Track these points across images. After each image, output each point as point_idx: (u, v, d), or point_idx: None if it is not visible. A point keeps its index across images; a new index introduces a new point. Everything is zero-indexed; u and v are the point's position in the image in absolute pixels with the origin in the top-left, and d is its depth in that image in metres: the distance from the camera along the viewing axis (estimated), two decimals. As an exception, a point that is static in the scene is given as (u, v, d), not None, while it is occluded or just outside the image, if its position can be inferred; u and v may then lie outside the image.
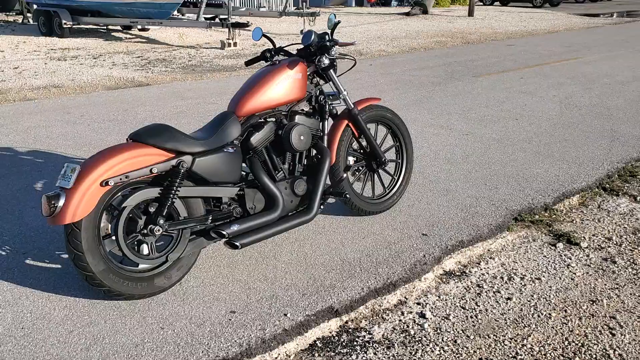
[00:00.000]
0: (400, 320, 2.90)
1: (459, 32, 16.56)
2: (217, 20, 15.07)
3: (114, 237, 2.75)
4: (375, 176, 3.90)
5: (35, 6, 14.92)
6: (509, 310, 2.98)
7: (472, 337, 2.76)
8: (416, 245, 3.53)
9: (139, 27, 14.28)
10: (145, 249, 2.82)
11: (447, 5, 26.13)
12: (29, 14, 16.83)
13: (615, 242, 3.71)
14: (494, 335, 2.78)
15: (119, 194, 2.75)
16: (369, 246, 3.50)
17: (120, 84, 8.65)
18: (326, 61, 3.43)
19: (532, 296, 3.10)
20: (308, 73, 3.43)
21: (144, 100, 7.42)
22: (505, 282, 3.26)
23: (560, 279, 3.28)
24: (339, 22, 3.55)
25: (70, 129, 5.97)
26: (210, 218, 2.96)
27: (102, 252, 2.71)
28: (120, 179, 2.66)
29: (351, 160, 3.73)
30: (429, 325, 2.85)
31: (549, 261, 3.47)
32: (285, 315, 2.79)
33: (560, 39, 14.69)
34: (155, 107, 7.02)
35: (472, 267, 3.41)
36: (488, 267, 3.41)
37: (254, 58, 3.64)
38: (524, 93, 7.90)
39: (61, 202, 2.54)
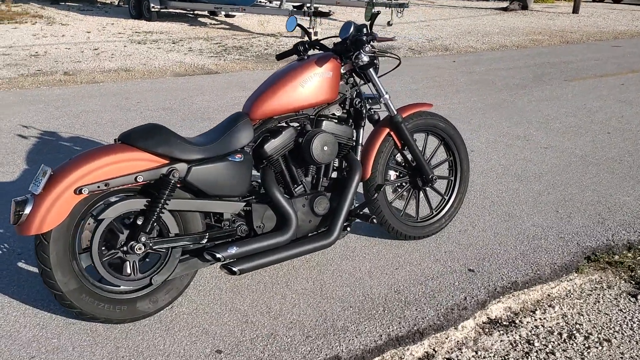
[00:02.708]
0: (421, 379, 2.37)
1: (559, 30, 15.32)
2: (304, 8, 14.75)
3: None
4: (421, 195, 3.35)
5: (127, -11, 15.18)
6: (561, 382, 2.38)
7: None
8: (458, 284, 2.96)
9: (224, 13, 14.18)
10: (127, 268, 2.45)
11: (551, 0, 24.46)
12: (123, -3, 17.22)
13: None
14: (536, 416, 2.19)
15: (101, 203, 2.39)
16: (400, 280, 2.97)
17: (189, 71, 8.47)
18: (365, 58, 2.91)
19: (596, 365, 2.48)
20: (343, 71, 2.94)
21: (206, 89, 7.16)
22: (564, 340, 2.64)
23: (636, 343, 2.62)
24: (378, 12, 3.03)
25: (121, 116, 5.78)
26: (207, 237, 2.54)
27: (76, 268, 2.36)
28: (98, 187, 2.29)
29: (392, 174, 3.20)
30: (455, 391, 2.30)
31: (626, 317, 2.81)
32: (278, 363, 2.33)
33: (676, 42, 13.19)
34: (214, 97, 6.73)
35: (525, 317, 2.81)
36: (545, 318, 2.80)
37: (286, 52, 3.18)
38: (623, 102, 6.97)
39: (27, 210, 2.21)
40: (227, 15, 14.99)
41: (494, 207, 3.87)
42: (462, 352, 2.54)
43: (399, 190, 3.29)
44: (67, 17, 13.96)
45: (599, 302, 2.95)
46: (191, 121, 5.67)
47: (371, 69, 2.96)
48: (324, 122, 2.86)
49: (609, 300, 2.97)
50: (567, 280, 3.10)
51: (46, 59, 8.89)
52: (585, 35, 14.23)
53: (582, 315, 2.84)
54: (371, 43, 2.87)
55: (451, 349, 2.57)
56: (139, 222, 2.43)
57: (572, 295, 3.00)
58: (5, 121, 5.45)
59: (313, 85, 2.78)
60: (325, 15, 12.69)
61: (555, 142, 5.31)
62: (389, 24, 14.87)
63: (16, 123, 5.40)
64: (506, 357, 2.52)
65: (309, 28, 12.52)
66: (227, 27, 13.73)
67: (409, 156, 3.24)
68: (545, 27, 15.94)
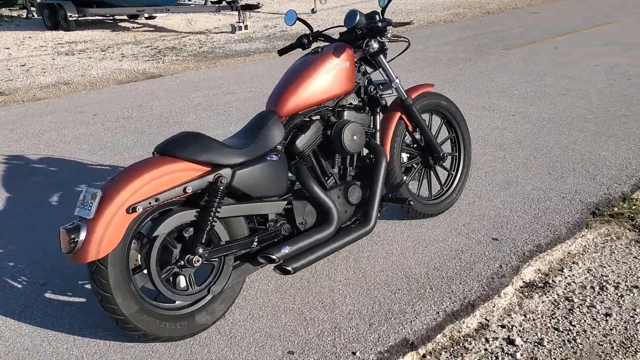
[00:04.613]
0: (486, 349, 2.45)
1: (476, 1, 15.85)
2: (224, 3, 14.52)
3: (145, 271, 2.31)
4: (432, 173, 3.43)
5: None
6: (611, 330, 2.52)
7: (576, 369, 2.31)
8: (488, 253, 3.06)
9: (146, 15, 13.75)
10: (182, 282, 2.38)
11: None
12: (32, 8, 16.36)
13: None
14: (602, 365, 2.32)
15: (148, 219, 2.31)
16: (434, 257, 3.04)
17: (132, 77, 8.20)
18: (375, 45, 2.94)
19: (635, 310, 2.64)
20: (355, 60, 2.95)
21: (158, 94, 6.97)
22: (598, 293, 2.79)
23: (661, 286, 2.81)
24: (391, -1, 3.03)
25: (83, 131, 5.54)
26: (256, 240, 2.51)
27: (134, 289, 2.27)
28: (150, 203, 2.21)
29: (404, 157, 3.25)
30: (521, 355, 2.40)
31: (642, 264, 3.00)
32: (354, 354, 2.34)
33: (589, 3, 13.95)
34: (172, 100, 6.56)
35: (555, 276, 2.95)
36: (573, 275, 2.94)
37: (289, 46, 3.16)
38: (563, 64, 7.33)
39: (82, 236, 2.10)
40: (148, 18, 14.55)
41: (490, 176, 4.01)
42: (512, 318, 2.64)
43: (411, 171, 3.35)
44: (-22, 34, 13.14)
45: (614, 253, 3.13)
46: (159, 127, 5.50)
47: (381, 55, 2.99)
48: (346, 112, 2.87)
49: (622, 249, 3.15)
50: (581, 237, 3.26)
51: (-26, 80, 8.37)
52: (502, 5, 14.80)
53: (604, 267, 3.00)
54: (388, 29, 2.90)
55: (501, 316, 2.67)
56: (186, 234, 2.37)
57: (589, 250, 3.16)
58: (-40, 150, 5.10)
59: (334, 76, 2.78)
60: (254, 7, 12.57)
61: (520, 109, 5.54)
62: (313, 11, 14.92)
63: (-28, 151, 5.07)
64: (553, 316, 2.64)
65: (238, 23, 12.37)
66: (152, 29, 13.34)
67: (418, 137, 3.31)
68: (463, 0, 16.44)
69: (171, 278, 2.38)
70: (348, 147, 2.72)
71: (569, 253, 3.15)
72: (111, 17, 14.86)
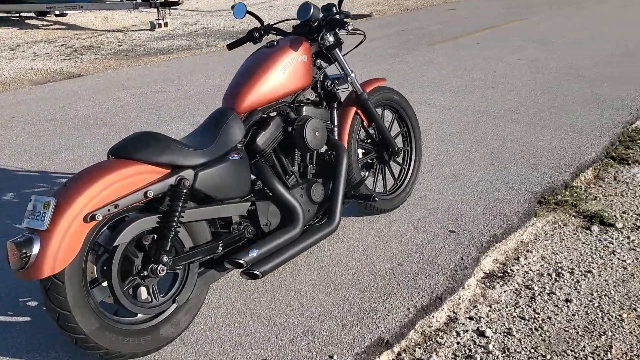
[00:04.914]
0: (458, 343, 2.45)
1: (394, -1, 16.13)
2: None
3: (104, 284, 2.13)
4: (386, 168, 3.40)
5: None
6: (574, 315, 2.58)
7: (548, 355, 2.34)
8: (448, 246, 3.07)
9: (57, 12, 13.02)
10: (143, 294, 2.21)
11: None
12: None
13: (649, 219, 3.38)
14: (571, 351, 2.37)
15: (105, 227, 2.12)
16: (396, 252, 3.01)
17: (49, 77, 7.72)
18: (331, 38, 2.87)
19: (592, 295, 2.72)
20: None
21: (81, 94, 6.58)
22: (555, 279, 2.86)
23: (612, 269, 2.91)
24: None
25: (2, 135, 5.13)
26: (221, 244, 2.37)
27: (93, 305, 2.09)
28: (109, 210, 2.04)
29: (359, 152, 3.20)
30: (493, 346, 2.41)
31: (591, 249, 3.10)
32: (332, 357, 2.26)
33: (500, 0, 14.50)
34: (97, 101, 6.21)
35: (512, 265, 3.00)
36: (529, 263, 3.00)
37: (239, 40, 3.03)
38: (488, 59, 7.56)
39: (35, 250, 1.90)
40: (59, 15, 13.78)
41: (436, 170, 4.04)
42: (479, 309, 2.65)
43: (370, 167, 3.30)
44: None
45: (563, 239, 3.22)
46: (88, 129, 5.19)
47: (337, 49, 2.92)
48: (305, 108, 2.78)
49: (570, 236, 3.25)
50: (531, 226, 3.34)
51: None
52: (420, 2, 15.14)
53: (557, 254, 3.08)
54: (348, 22, 2.83)
55: (468, 308, 2.67)
56: (146, 242, 2.21)
57: (540, 238, 3.24)
58: None
59: (292, 71, 2.68)
60: (175, 4, 12.19)
61: (454, 103, 5.64)
62: (232, 7, 14.66)
63: None
64: (517, 305, 2.68)
65: (157, 20, 11.96)
66: (64, 27, 12.65)
67: (371, 132, 3.27)
68: (382, -3, 16.67)
69: (132, 290, 2.21)
70: (310, 143, 2.63)
71: (522, 242, 3.21)
72: (17, 14, 13.97)
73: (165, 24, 12.08)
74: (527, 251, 3.13)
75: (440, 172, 4.00)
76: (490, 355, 2.36)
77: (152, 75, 7.48)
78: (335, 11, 2.87)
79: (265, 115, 2.65)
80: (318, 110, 2.84)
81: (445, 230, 3.22)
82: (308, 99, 2.85)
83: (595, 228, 3.30)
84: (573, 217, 3.45)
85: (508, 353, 2.37)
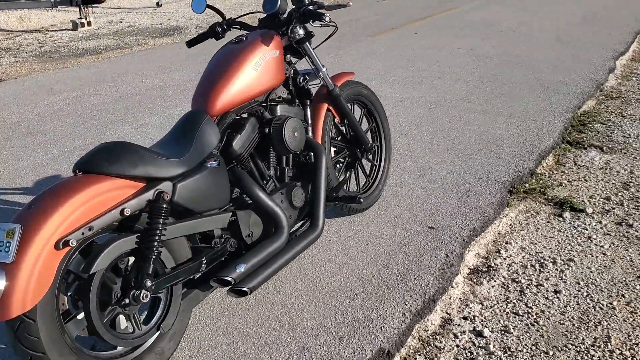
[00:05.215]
0: (457, 345, 2.35)
1: (324, -9, 16.02)
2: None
3: (80, 316, 1.89)
4: (357, 166, 3.26)
5: None
6: (566, 307, 2.54)
7: (550, 352, 2.28)
8: (430, 243, 2.97)
9: (-35, 12, 12.09)
10: (122, 323, 1.98)
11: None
12: None
13: (615, 202, 3.42)
14: (571, 344, 2.31)
15: (77, 253, 1.88)
16: (379, 254, 2.88)
17: (-34, 83, 7.11)
18: (301, 32, 2.69)
19: (579, 284, 2.69)
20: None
21: (6, 100, 6.08)
22: (540, 270, 2.82)
23: (593, 256, 2.90)
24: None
25: None
26: (204, 261, 2.16)
27: (69, 341, 1.84)
28: (83, 233, 1.79)
29: (332, 151, 3.05)
30: (494, 346, 2.32)
31: (568, 236, 3.09)
32: (335, 375, 2.11)
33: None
34: (25, 108, 5.75)
35: (495, 259, 2.94)
36: (511, 256, 2.95)
37: (200, 36, 2.81)
38: (428, 48, 7.58)
39: (1, 286, 1.64)
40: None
41: (403, 164, 3.94)
42: (471, 308, 2.57)
43: (338, 165, 3.16)
44: None
45: (538, 228, 3.20)
46: (21, 138, 4.77)
47: (307, 43, 2.75)
48: (279, 107, 2.60)
49: (544, 224, 3.23)
50: (505, 216, 3.30)
51: None
52: (349, -6, 15.08)
53: (536, 244, 3.04)
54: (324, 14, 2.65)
55: (460, 307, 2.58)
56: (122, 265, 1.97)
57: (516, 229, 3.20)
58: None
59: (265, 67, 2.49)
60: (97, 2, 11.60)
61: (405, 94, 5.58)
62: (158, 4, 14.17)
63: None
64: (507, 300, 2.61)
65: (79, 19, 11.35)
66: (-26, 28, 11.78)
67: (342, 129, 3.12)
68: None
69: (109, 320, 1.97)
70: (290, 145, 2.45)
71: (499, 234, 3.16)
72: None
73: (89, 23, 11.48)
74: (507, 243, 3.07)
75: (407, 166, 3.91)
76: (493, 356, 2.27)
77: (83, 78, 7.03)
78: (307, 2, 2.68)
79: (238, 117, 2.45)
80: (292, 108, 2.67)
81: (425, 227, 3.12)
82: (280, 97, 2.67)
83: (567, 215, 3.29)
84: (543, 205, 3.44)
85: (510, 353, 2.29)
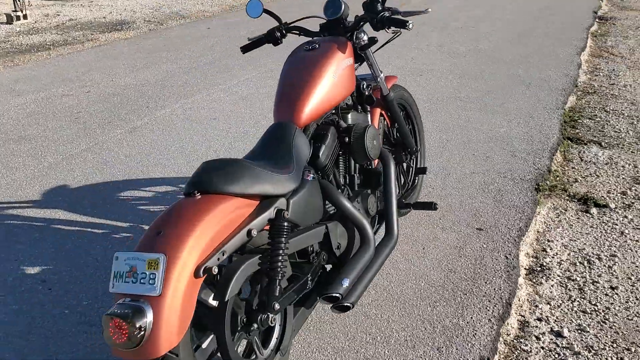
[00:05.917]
0: (543, 347, 2.38)
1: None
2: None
3: (204, 345, 1.77)
4: (399, 170, 3.24)
5: None
6: (627, 302, 2.63)
7: (632, 349, 2.35)
8: (486, 245, 2.99)
9: None
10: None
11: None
12: None
13: (632, 197, 3.58)
14: (650, 340, 2.40)
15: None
16: (440, 258, 2.88)
17: None
18: (365, 38, 2.63)
19: (630, 279, 2.79)
20: (347, 55, 2.60)
21: (-35, 103, 5.63)
22: (589, 267, 2.90)
23: (632, 250, 3.02)
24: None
25: None
26: (310, 278, 2.08)
27: (200, 374, 1.72)
28: (218, 259, 1.68)
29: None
30: (578, 346, 2.37)
31: (602, 232, 3.20)
32: (452, 388, 2.09)
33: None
34: (-8, 111, 5.34)
35: (544, 257, 3.00)
36: (556, 254, 3.02)
37: (256, 41, 2.70)
38: (398, 45, 7.63)
39: (149, 321, 1.50)
40: None
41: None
42: (541, 309, 2.61)
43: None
44: None
45: (572, 225, 3.29)
46: (3, 145, 4.42)
47: (369, 49, 2.69)
48: (351, 115, 2.53)
49: (575, 221, 3.33)
50: (538, 214, 3.38)
51: None
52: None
53: (575, 241, 3.14)
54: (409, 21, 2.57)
55: (531, 309, 2.62)
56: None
57: (551, 227, 3.28)
58: None
59: (342, 75, 2.41)
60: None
61: (395, 92, 5.58)
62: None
63: None
64: (571, 298, 2.68)
65: (14, 11, 10.66)
66: None
67: (387, 132, 3.09)
68: None
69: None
70: (370, 153, 2.40)
71: (538, 232, 3.23)
72: None
73: (25, 16, 10.81)
74: (548, 241, 3.14)
75: (430, 167, 3.92)
76: (580, 356, 2.32)
77: (43, 77, 6.60)
78: (380, 8, 2.61)
79: (319, 127, 2.37)
80: (361, 115, 2.61)
81: (473, 229, 3.14)
82: (346, 104, 2.61)
83: (594, 211, 3.41)
84: (568, 202, 3.54)
85: (594, 351, 2.34)
